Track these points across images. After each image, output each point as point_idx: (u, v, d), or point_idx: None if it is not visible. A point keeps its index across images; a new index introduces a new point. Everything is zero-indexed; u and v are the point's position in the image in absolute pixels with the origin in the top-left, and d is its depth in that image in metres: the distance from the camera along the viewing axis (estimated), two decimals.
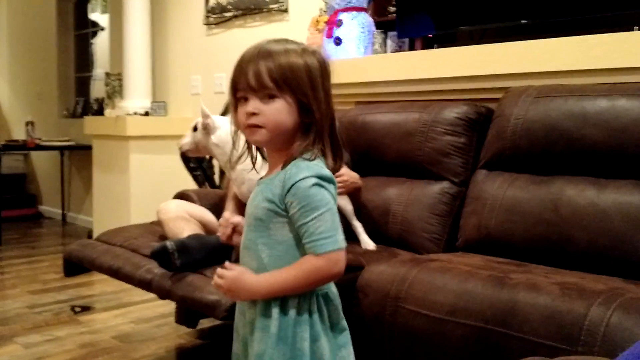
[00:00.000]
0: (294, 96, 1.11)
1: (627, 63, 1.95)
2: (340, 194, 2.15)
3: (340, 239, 1.10)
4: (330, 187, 1.12)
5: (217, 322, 2.56)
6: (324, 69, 1.16)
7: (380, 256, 2.02)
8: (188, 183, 3.18)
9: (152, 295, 1.95)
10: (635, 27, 2.02)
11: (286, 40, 1.16)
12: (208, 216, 2.23)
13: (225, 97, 3.61)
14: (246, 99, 1.14)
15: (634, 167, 1.77)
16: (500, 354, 1.42)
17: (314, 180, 1.09)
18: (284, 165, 1.14)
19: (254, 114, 1.12)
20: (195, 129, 2.05)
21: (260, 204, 1.15)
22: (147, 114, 3.92)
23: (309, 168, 1.10)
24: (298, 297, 1.13)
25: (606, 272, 1.69)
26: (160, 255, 1.83)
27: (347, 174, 2.15)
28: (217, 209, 2.27)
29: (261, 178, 1.24)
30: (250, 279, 1.14)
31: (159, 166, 3.74)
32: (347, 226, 2.19)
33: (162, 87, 4.13)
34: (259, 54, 1.12)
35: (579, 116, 1.87)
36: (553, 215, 1.84)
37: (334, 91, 2.88)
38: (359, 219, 2.29)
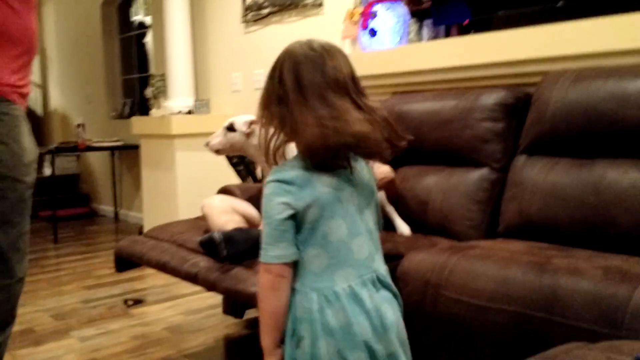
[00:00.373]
0: None
1: None
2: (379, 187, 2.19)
3: (270, 254, 1.12)
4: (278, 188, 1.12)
5: None
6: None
7: (420, 244, 2.03)
8: (232, 178, 3.25)
9: (200, 288, 2.02)
10: None
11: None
12: (251, 210, 2.28)
13: None
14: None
15: None
16: (541, 340, 1.42)
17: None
18: None
19: None
20: (230, 129, 2.06)
21: None
22: (190, 112, 4.01)
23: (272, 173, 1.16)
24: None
25: None
26: (208, 246, 1.90)
27: (377, 171, 2.17)
28: (259, 203, 2.32)
29: None
30: None
31: (203, 162, 3.82)
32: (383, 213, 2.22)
33: (204, 85, 4.22)
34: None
35: (620, 97, 1.84)
36: (595, 198, 1.82)
37: (372, 82, 2.91)
38: (398, 209, 2.31)
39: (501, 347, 1.48)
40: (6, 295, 1.35)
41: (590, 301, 1.37)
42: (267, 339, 1.16)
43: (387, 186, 2.26)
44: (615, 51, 2.02)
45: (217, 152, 2.11)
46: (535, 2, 2.43)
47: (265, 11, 3.59)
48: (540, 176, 1.99)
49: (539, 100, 2.08)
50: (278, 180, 1.13)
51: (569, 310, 1.39)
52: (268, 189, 1.14)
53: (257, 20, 3.68)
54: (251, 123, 2.00)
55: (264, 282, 1.14)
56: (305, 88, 1.13)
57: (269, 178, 1.15)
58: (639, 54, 1.97)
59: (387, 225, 2.25)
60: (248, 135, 2.00)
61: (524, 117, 2.17)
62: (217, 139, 2.08)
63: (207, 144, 2.12)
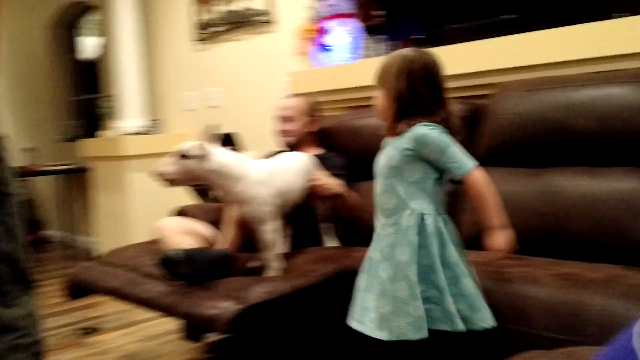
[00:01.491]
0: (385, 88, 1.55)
1: (608, 51, 1.95)
2: (319, 198, 2.17)
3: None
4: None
5: (224, 335, 2.55)
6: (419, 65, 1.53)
7: None
8: (188, 199, 3.19)
9: (158, 312, 1.95)
10: (612, 14, 2.02)
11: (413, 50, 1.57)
12: (207, 230, 2.24)
13: (218, 112, 3.62)
14: None
15: (625, 154, 1.78)
16: (501, 348, 1.42)
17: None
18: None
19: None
20: (184, 156, 1.86)
21: (395, 155, 1.48)
22: (143, 132, 3.94)
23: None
24: None
25: (605, 260, 1.69)
26: (167, 264, 1.84)
27: (325, 180, 2.16)
28: (217, 222, 2.28)
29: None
30: None
31: (157, 184, 3.74)
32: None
33: (157, 105, 4.15)
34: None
35: (567, 107, 1.88)
36: (549, 206, 1.84)
37: (327, 98, 2.90)
38: (357, 223, 2.31)
39: (460, 356, 1.47)
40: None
41: (547, 309, 1.38)
42: (502, 217, 1.44)
43: (334, 199, 2.24)
44: (563, 61, 2.07)
45: (172, 182, 1.89)
46: (485, 15, 2.47)
47: (216, 29, 3.57)
48: (495, 186, 2.00)
49: (492, 112, 2.11)
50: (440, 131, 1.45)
51: (527, 319, 1.40)
52: (436, 132, 1.44)
53: (208, 38, 3.65)
54: (202, 147, 1.86)
55: (485, 177, 1.46)
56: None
57: (434, 128, 1.45)
58: (585, 64, 2.02)
59: (346, 242, 2.24)
60: (201, 160, 1.87)
61: (477, 129, 2.20)
62: (171, 167, 1.86)
63: (158, 174, 1.89)
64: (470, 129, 2.24)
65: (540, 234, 1.86)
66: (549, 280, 1.45)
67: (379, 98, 1.54)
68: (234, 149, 2.52)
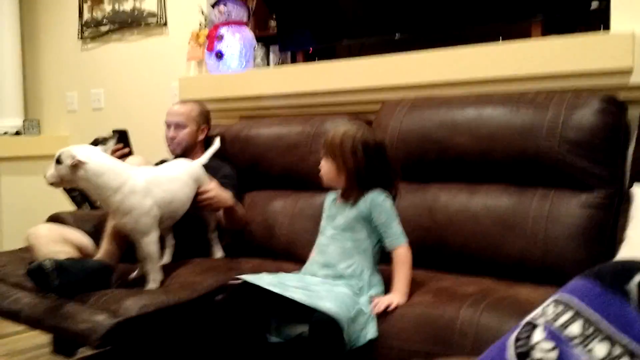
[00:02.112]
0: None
1: (492, 74, 2.07)
2: (209, 209, 2.14)
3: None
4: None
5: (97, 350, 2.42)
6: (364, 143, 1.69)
7: (267, 270, 1.99)
8: (66, 205, 3.02)
9: (26, 326, 1.82)
10: (499, 38, 2.15)
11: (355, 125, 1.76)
12: (84, 240, 2.11)
13: (102, 114, 3.46)
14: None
15: (500, 172, 1.88)
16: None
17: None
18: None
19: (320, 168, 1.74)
20: (58, 161, 1.79)
21: (352, 214, 1.67)
22: (18, 133, 3.68)
23: None
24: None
25: (480, 273, 1.78)
26: (37, 274, 1.71)
27: (215, 192, 2.12)
28: (95, 232, 2.16)
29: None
30: None
31: (33, 188, 3.50)
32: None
33: (35, 104, 3.89)
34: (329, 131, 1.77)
35: (449, 125, 1.96)
36: (429, 220, 1.92)
37: (218, 106, 2.86)
38: (247, 235, 2.29)
39: None
40: None
41: (421, 323, 1.43)
42: (406, 288, 1.57)
43: (224, 211, 2.21)
44: (447, 82, 2.16)
45: (52, 185, 1.86)
46: (375, 33, 2.54)
47: (105, 28, 3.41)
48: None
49: (377, 127, 2.17)
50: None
51: (403, 334, 1.44)
52: (389, 202, 1.66)
53: (96, 37, 3.48)
54: (74, 157, 1.76)
55: (409, 254, 1.63)
56: None
57: (388, 198, 1.66)
58: (468, 85, 2.12)
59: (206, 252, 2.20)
60: (74, 168, 1.76)
61: None
62: (50, 170, 1.83)
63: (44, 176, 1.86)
64: None
65: (423, 247, 1.91)
66: (423, 295, 1.49)
67: (329, 168, 1.69)
68: (128, 148, 2.40)
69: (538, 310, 0.49)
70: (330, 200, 1.79)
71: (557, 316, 0.47)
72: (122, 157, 2.34)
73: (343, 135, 1.67)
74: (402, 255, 1.62)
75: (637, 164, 1.73)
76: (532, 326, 0.49)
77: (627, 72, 1.84)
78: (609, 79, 1.88)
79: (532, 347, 0.48)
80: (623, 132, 1.79)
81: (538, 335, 0.47)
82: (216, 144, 2.31)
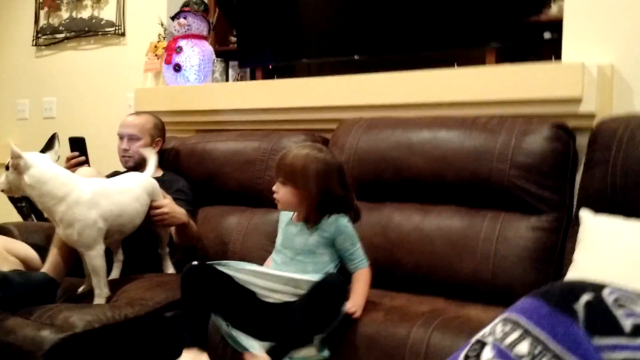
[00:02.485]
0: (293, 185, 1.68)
1: (447, 97, 2.11)
2: (162, 225, 2.10)
3: None
4: None
5: None
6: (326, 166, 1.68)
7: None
8: (13, 216, 2.91)
9: None
10: (455, 64, 2.20)
11: (312, 147, 1.71)
12: (30, 252, 2.05)
13: (54, 123, 3.37)
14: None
15: (453, 193, 1.91)
16: None
17: None
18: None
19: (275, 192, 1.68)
20: (7, 167, 1.77)
21: (314, 238, 1.67)
22: None
23: None
24: None
25: (433, 292, 1.79)
26: None
27: (169, 207, 2.08)
28: (41, 244, 2.09)
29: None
30: None
31: None
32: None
33: None
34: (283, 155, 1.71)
35: (405, 146, 1.99)
36: (383, 239, 1.93)
37: (173, 119, 2.82)
38: (199, 250, 2.26)
39: None
40: None
41: (372, 342, 1.43)
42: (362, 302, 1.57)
43: (178, 227, 2.18)
44: (404, 104, 2.20)
45: (3, 192, 1.83)
46: (335, 54, 2.56)
47: (61, 36, 3.34)
48: None
49: (334, 146, 2.18)
50: None
51: (354, 354, 1.43)
52: (351, 227, 1.67)
53: (51, 44, 3.40)
54: (16, 156, 1.72)
55: (369, 275, 1.65)
56: None
57: (349, 222, 1.67)
58: (423, 108, 2.16)
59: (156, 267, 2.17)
60: (17, 170, 1.71)
61: None
62: (2, 177, 1.80)
63: None
64: None
65: (376, 266, 1.91)
66: (374, 314, 1.50)
67: (288, 193, 1.65)
68: (84, 157, 2.34)
69: (487, 329, 0.50)
70: (286, 218, 1.75)
71: (506, 335, 0.48)
72: (78, 165, 2.28)
73: (305, 159, 1.62)
74: (363, 274, 1.63)
75: (584, 189, 1.78)
76: (481, 344, 0.49)
77: (577, 100, 1.90)
78: (559, 107, 1.94)
79: None
80: (572, 159, 1.85)
81: (487, 353, 0.48)
82: (152, 156, 2.23)
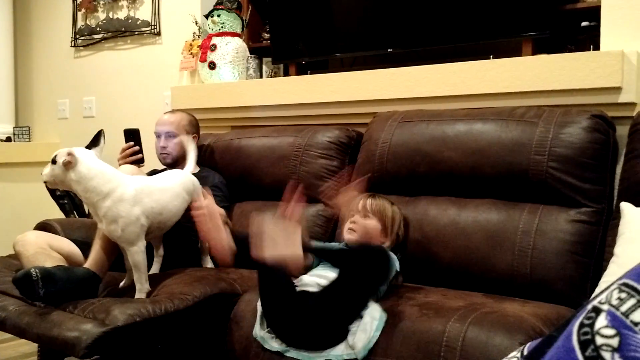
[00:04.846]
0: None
1: (483, 89, 2.09)
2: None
3: None
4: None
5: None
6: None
7: (256, 282, 1.98)
8: (55, 213, 3.00)
9: (10, 335, 1.80)
10: (490, 55, 2.17)
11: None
12: (72, 248, 2.10)
13: (93, 122, 3.45)
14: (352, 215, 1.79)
15: (490, 187, 1.89)
16: None
17: None
18: None
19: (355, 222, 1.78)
20: (54, 161, 1.81)
21: None
22: (9, 139, 3.66)
23: None
24: None
25: (469, 287, 1.78)
26: (23, 283, 1.69)
27: (209, 209, 2.10)
28: (83, 241, 2.14)
29: None
30: None
31: (22, 195, 3.48)
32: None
33: (26, 111, 3.88)
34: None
35: (440, 139, 1.97)
36: (419, 234, 1.92)
37: (209, 116, 2.86)
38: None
39: None
40: None
41: (407, 337, 1.42)
42: None
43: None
44: (438, 96, 2.18)
45: (46, 183, 1.89)
46: (368, 47, 2.55)
47: (98, 36, 3.41)
48: None
49: (368, 140, 2.18)
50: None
51: (390, 349, 1.42)
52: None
53: (89, 45, 3.48)
54: (69, 154, 1.77)
55: None
56: None
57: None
58: (459, 100, 2.14)
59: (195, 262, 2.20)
60: (67, 167, 1.77)
61: (356, 155, 2.25)
62: (46, 170, 1.84)
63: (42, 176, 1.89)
64: (349, 155, 2.30)
65: (411, 261, 1.92)
66: (413, 310, 1.49)
67: (373, 226, 1.77)
68: (139, 147, 2.38)
69: (603, 295, 0.48)
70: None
71: (622, 302, 0.46)
72: (133, 155, 2.33)
73: (387, 204, 1.81)
74: None
75: (625, 181, 1.74)
76: (596, 311, 0.48)
77: (617, 89, 1.86)
78: (599, 97, 1.90)
79: (595, 334, 0.47)
80: (612, 150, 1.81)
81: (602, 321, 0.47)
82: (191, 146, 2.27)
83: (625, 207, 1.61)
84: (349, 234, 1.78)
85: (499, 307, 1.49)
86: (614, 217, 1.71)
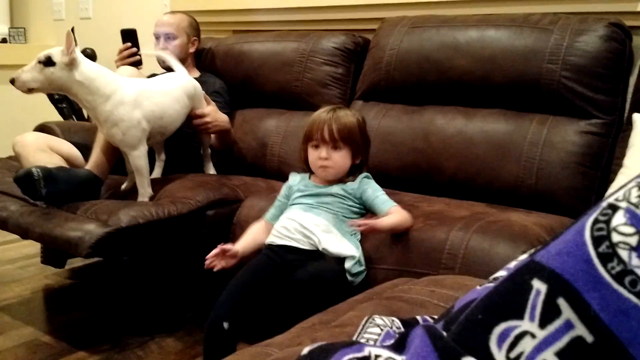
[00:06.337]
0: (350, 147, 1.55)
1: None
2: (204, 132, 2.11)
3: None
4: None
5: (89, 260, 2.44)
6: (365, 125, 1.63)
7: (259, 189, 1.99)
8: (53, 116, 2.95)
9: (14, 236, 1.80)
10: None
11: (345, 108, 1.66)
12: (73, 151, 2.08)
13: (90, 24, 3.34)
14: (317, 147, 1.54)
15: (500, 96, 1.85)
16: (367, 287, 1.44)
17: None
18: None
19: (326, 158, 1.53)
20: (47, 62, 1.68)
21: (342, 196, 1.53)
22: (4, 40, 3.56)
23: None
24: None
25: (473, 198, 1.77)
26: (25, 182, 1.68)
27: (212, 116, 2.07)
28: (83, 144, 2.12)
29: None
30: None
31: (19, 97, 3.41)
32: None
33: (21, 12, 3.74)
34: (331, 118, 1.55)
35: (450, 46, 1.90)
36: (424, 144, 1.89)
37: (210, 19, 2.76)
38: (237, 153, 2.27)
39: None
40: None
41: (414, 246, 1.42)
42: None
43: (222, 134, 2.19)
44: (449, 1, 2.09)
45: (30, 90, 1.73)
46: None
47: None
48: (374, 122, 2.02)
49: (376, 46, 2.10)
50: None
51: (391, 256, 1.43)
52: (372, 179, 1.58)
53: None
54: (70, 50, 1.67)
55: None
56: None
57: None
58: (471, 5, 2.05)
59: (227, 170, 2.19)
60: (70, 66, 1.69)
61: (362, 63, 2.19)
62: (29, 74, 1.69)
63: (14, 80, 1.72)
64: (355, 62, 2.23)
65: (414, 171, 1.91)
66: (416, 220, 1.47)
67: (343, 157, 1.55)
68: (136, 47, 2.31)
69: (620, 193, 0.46)
70: (297, 181, 1.61)
71: None
72: (131, 56, 2.27)
73: (355, 118, 1.57)
74: (398, 209, 1.49)
75: (638, 93, 1.69)
76: (613, 208, 0.46)
77: None
78: (616, 4, 1.82)
79: (611, 231, 0.45)
80: (627, 60, 1.75)
81: (619, 218, 0.45)
82: (169, 57, 2.17)
83: (638, 118, 1.57)
84: (323, 172, 1.56)
85: (503, 217, 1.48)
86: (625, 129, 1.68)
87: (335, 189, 1.54)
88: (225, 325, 1.36)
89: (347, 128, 1.54)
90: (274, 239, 1.51)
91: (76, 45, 1.69)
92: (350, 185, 1.55)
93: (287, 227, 1.49)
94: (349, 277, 1.42)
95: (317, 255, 1.44)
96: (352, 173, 1.59)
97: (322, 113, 1.58)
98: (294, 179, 1.63)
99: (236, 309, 1.38)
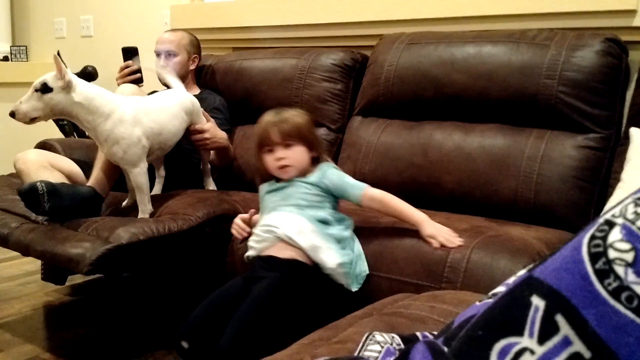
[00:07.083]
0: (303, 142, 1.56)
1: (493, 10, 2.02)
2: (203, 149, 2.12)
3: None
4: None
5: (89, 277, 2.44)
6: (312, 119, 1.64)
7: (258, 205, 1.99)
8: (54, 134, 2.96)
9: (15, 253, 1.81)
10: None
11: (288, 108, 1.66)
12: (73, 168, 2.09)
13: (91, 42, 3.37)
14: (271, 150, 1.54)
15: (498, 111, 1.86)
16: (369, 294, 1.45)
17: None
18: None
19: (282, 158, 1.53)
20: (44, 89, 1.67)
21: (309, 189, 1.53)
22: (6, 58, 3.58)
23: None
24: None
25: (472, 212, 1.78)
26: (29, 196, 1.69)
27: (211, 133, 2.09)
28: (84, 161, 2.13)
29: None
30: None
31: None
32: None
33: (23, 30, 3.78)
34: (276, 119, 1.56)
35: (448, 62, 1.92)
36: (422, 159, 1.90)
37: (210, 36, 2.78)
38: (235, 169, 2.28)
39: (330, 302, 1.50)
40: None
41: (413, 257, 1.43)
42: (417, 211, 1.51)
43: (220, 151, 2.20)
44: (447, 17, 2.11)
45: (32, 120, 1.72)
46: None
47: None
48: (373, 137, 2.04)
49: (374, 63, 2.12)
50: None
51: (395, 266, 1.44)
52: (333, 166, 1.59)
53: None
54: (63, 73, 1.67)
55: (378, 190, 1.53)
56: None
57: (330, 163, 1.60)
58: (468, 22, 2.07)
59: (230, 186, 2.20)
60: (67, 89, 1.70)
61: (360, 79, 2.21)
62: (28, 104, 1.69)
63: (14, 113, 1.71)
64: (353, 78, 2.25)
65: (414, 185, 1.92)
66: (417, 233, 1.48)
67: (300, 153, 1.55)
68: (138, 66, 2.32)
69: (617, 209, 0.47)
70: (266, 190, 1.61)
71: (638, 216, 0.45)
72: (132, 73, 2.28)
73: (300, 115, 1.59)
74: (376, 193, 1.51)
75: (635, 107, 1.71)
76: (609, 225, 0.47)
77: (631, 12, 1.79)
78: (612, 20, 1.84)
79: (608, 247, 0.45)
80: (623, 75, 1.77)
81: (615, 234, 0.45)
82: (167, 75, 2.18)
83: (635, 132, 1.58)
84: (284, 172, 1.55)
85: (503, 231, 1.49)
86: (622, 143, 1.69)
87: (298, 182, 1.55)
88: (185, 344, 1.36)
89: (294, 124, 1.55)
90: (250, 250, 1.54)
91: (66, 67, 1.69)
92: (313, 176, 1.55)
93: (258, 233, 1.53)
94: (344, 283, 1.44)
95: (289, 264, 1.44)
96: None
97: (267, 117, 1.59)
98: (262, 186, 1.64)
99: (198, 329, 1.37)
